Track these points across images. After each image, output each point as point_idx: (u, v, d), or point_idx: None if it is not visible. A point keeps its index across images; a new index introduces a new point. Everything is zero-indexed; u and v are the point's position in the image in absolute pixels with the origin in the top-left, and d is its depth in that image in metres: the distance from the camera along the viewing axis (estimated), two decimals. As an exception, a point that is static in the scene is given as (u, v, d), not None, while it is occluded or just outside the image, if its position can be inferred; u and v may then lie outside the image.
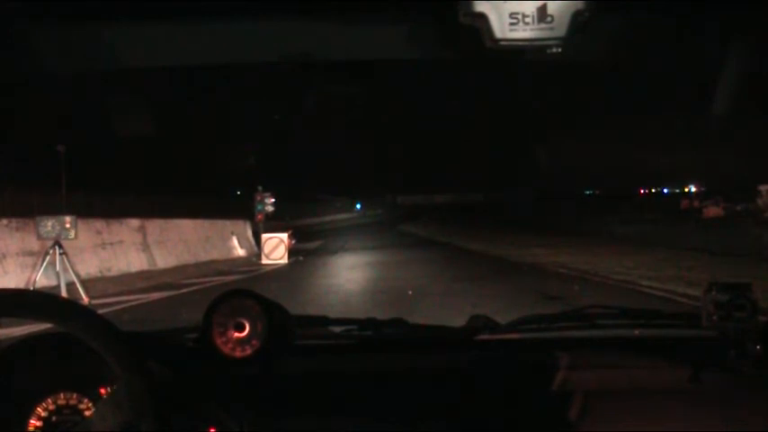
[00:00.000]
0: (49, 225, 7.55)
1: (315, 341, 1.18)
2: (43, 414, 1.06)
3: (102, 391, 1.07)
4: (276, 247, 13.25)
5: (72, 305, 1.04)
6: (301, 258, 13.73)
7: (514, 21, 0.98)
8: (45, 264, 7.59)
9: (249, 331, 1.07)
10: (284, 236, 13.39)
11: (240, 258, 14.00)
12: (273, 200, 14.49)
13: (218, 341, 1.07)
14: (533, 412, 1.04)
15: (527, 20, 0.98)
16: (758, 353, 1.09)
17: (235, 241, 14.43)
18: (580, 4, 0.97)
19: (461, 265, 12.06)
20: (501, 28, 0.98)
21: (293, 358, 1.10)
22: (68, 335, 1.07)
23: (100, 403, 1.05)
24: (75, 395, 1.07)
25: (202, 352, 1.07)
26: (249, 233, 15.48)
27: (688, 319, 1.16)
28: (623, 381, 1.08)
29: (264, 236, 13.51)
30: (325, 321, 1.18)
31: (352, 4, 1.04)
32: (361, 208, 44.81)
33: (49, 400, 1.07)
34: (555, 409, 1.04)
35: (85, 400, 1.07)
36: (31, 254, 8.79)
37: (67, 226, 7.58)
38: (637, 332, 1.20)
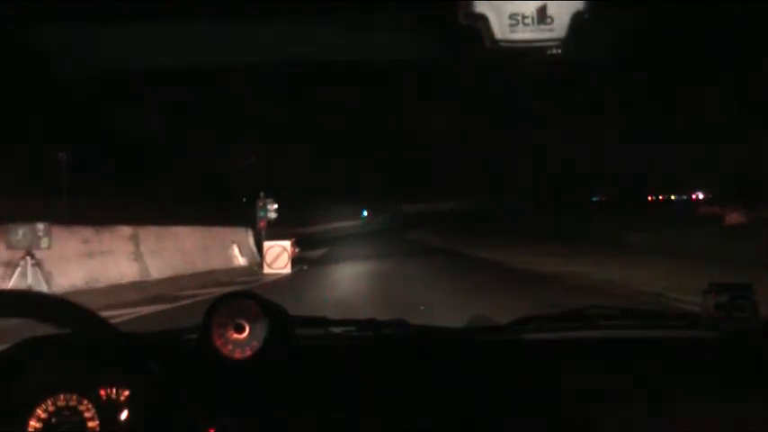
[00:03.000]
0: (20, 233, 7.09)
1: (315, 342, 1.22)
2: (43, 415, 1.10)
3: (102, 392, 1.11)
4: (278, 256, 13.29)
5: (73, 306, 1.09)
6: (305, 268, 13.76)
7: (514, 22, 1.01)
8: (16, 275, 7.12)
9: (249, 332, 1.12)
10: (287, 244, 13.41)
11: (241, 268, 13.91)
12: (276, 206, 14.61)
13: (218, 342, 1.12)
14: (534, 412, 1.08)
15: (527, 21, 1.02)
16: (758, 353, 1.13)
17: (235, 250, 14.39)
18: (580, 5, 1.00)
19: (474, 275, 11.95)
20: (501, 29, 1.02)
21: (293, 359, 1.14)
22: (69, 336, 1.12)
23: (100, 404, 1.10)
24: (74, 396, 1.11)
25: (202, 353, 1.12)
26: (251, 241, 15.51)
27: (688, 320, 1.19)
28: (623, 381, 1.11)
29: (266, 244, 13.54)
30: (325, 322, 1.22)
31: (353, 6, 1.10)
32: (367, 215, 46.75)
33: (49, 402, 1.11)
34: (555, 409, 1.07)
35: (85, 402, 1.11)
36: (2, 264, 7.91)
37: (40, 234, 7.15)
38: (637, 332, 1.23)
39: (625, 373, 1.13)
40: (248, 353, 1.11)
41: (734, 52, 1.16)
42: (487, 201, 44.18)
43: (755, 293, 1.15)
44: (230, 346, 1.12)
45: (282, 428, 1.09)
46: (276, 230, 14.80)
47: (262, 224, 14.47)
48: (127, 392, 1.10)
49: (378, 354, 1.18)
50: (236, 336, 1.12)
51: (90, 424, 1.10)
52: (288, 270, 12.99)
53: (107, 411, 1.10)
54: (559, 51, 1.03)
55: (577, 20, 1.00)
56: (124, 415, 1.09)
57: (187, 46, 1.14)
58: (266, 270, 13.02)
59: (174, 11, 1.07)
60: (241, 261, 14.40)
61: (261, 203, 14.30)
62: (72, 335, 1.11)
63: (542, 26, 1.02)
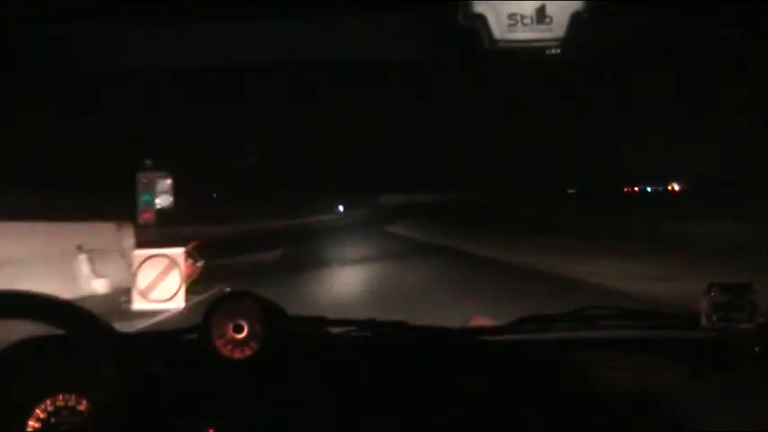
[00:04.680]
0: None
1: (314, 342, 2.25)
2: (42, 415, 2.05)
3: (102, 392, 2.08)
4: (161, 278, 12.94)
5: (72, 307, 2.07)
6: (228, 290, 13.68)
7: (513, 22, 1.87)
8: None
9: (248, 333, 2.12)
10: (177, 253, 13.15)
11: (96, 298, 13.70)
12: (170, 182, 14.39)
13: (218, 342, 2.12)
14: (534, 412, 2.08)
15: (526, 21, 1.88)
16: (757, 353, 2.16)
17: (83, 265, 14.23)
18: (579, 5, 1.87)
19: (507, 290, 12.97)
20: (500, 29, 1.88)
21: (292, 359, 2.16)
22: (68, 336, 2.10)
23: (99, 404, 2.06)
24: (73, 396, 2.07)
25: (202, 353, 2.12)
26: (127, 245, 15.32)
27: (688, 320, 2.24)
28: (623, 381, 2.14)
29: (137, 253, 13.07)
30: (324, 322, 2.25)
31: (351, 6, 2.08)
32: (343, 209, 72.05)
33: (48, 402, 2.06)
34: (555, 409, 2.08)
35: (84, 402, 2.07)
36: None
37: None
38: (637, 332, 2.28)
39: (625, 373, 2.16)
40: (248, 353, 2.11)
41: (731, 52, 2.21)
42: (469, 193, 65.88)
43: (755, 293, 2.20)
44: (230, 347, 2.11)
45: (282, 428, 2.08)
46: (219, 228, 15.00)
47: (145, 216, 14.34)
48: (127, 392, 2.07)
49: (377, 354, 2.20)
50: (235, 336, 2.12)
51: (89, 424, 2.07)
52: (178, 304, 12.76)
53: (106, 411, 2.06)
54: (558, 51, 1.96)
55: (576, 20, 1.88)
56: (123, 415, 2.05)
57: (187, 46, 2.16)
58: (138, 305, 12.63)
59: (174, 11, 2.07)
60: (96, 286, 14.18)
61: (144, 181, 14.11)
62: (71, 335, 2.08)
63: (541, 26, 1.87)
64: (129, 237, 15.58)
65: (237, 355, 2.13)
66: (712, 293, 2.19)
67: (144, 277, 13.01)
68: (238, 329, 2.14)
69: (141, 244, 14.86)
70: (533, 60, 2.03)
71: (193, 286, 13.44)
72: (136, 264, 13.12)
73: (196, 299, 13.10)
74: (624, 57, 2.20)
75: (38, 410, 2.08)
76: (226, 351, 2.13)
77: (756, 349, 2.16)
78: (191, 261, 13.58)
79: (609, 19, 2.11)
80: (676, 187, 46.88)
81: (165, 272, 13.10)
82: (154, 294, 12.92)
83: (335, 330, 2.30)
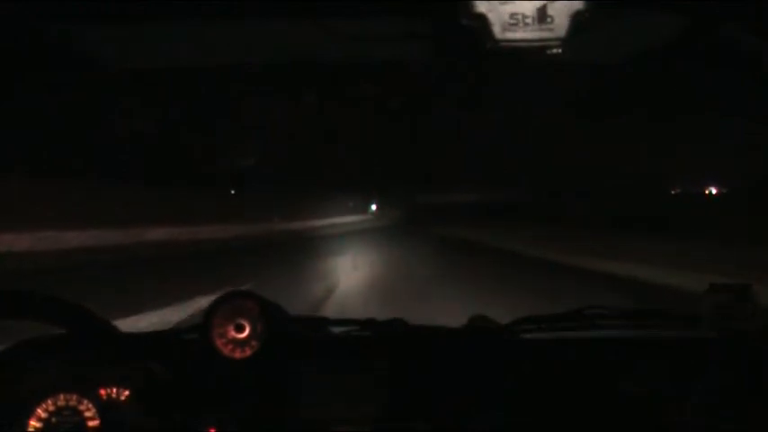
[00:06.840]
0: None
1: (314, 342, 2.26)
2: (43, 415, 2.09)
3: (102, 392, 2.10)
4: None
5: (73, 307, 2.09)
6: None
7: (514, 21, 1.90)
8: None
9: (249, 332, 2.13)
10: None
11: None
12: None
13: (219, 342, 2.13)
14: (533, 412, 2.11)
15: (527, 20, 1.91)
16: (758, 353, 2.18)
17: None
18: (580, 5, 1.90)
19: None
20: (501, 29, 1.94)
21: (293, 359, 2.17)
22: (69, 336, 2.12)
23: (101, 404, 2.10)
24: (74, 396, 2.10)
25: (202, 352, 2.13)
26: None
27: (688, 320, 2.26)
28: (623, 381, 2.16)
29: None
30: (325, 322, 2.26)
31: (353, 5, 2.10)
32: (375, 208, 71.72)
33: (49, 402, 2.09)
34: (555, 409, 2.11)
35: (85, 402, 2.10)
36: None
37: None
38: (637, 332, 2.30)
39: (625, 373, 2.18)
40: (248, 352, 2.12)
41: (736, 50, 2.21)
42: (511, 192, 64.88)
43: (756, 294, 2.21)
44: (230, 346, 2.13)
45: (282, 428, 2.11)
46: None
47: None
48: (127, 392, 2.09)
49: (377, 353, 2.22)
50: (236, 335, 2.13)
51: (90, 424, 2.08)
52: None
53: (107, 411, 2.08)
54: (559, 51, 1.99)
55: (577, 19, 1.95)
56: (124, 415, 2.08)
57: (187, 46, 2.16)
58: None
59: (174, 10, 2.08)
60: None
61: None
62: (72, 335, 2.10)
63: (542, 26, 1.92)
64: None
65: (238, 354, 2.14)
66: (713, 293, 2.21)
67: None
68: (240, 329, 2.14)
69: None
70: (535, 60, 2.06)
71: None
72: None
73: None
74: (627, 57, 2.19)
75: (39, 410, 2.10)
76: (226, 350, 2.14)
77: (757, 349, 2.18)
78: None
79: (612, 18, 2.11)
80: (714, 191, 48.77)
81: None
82: None
83: (336, 330, 2.31)
